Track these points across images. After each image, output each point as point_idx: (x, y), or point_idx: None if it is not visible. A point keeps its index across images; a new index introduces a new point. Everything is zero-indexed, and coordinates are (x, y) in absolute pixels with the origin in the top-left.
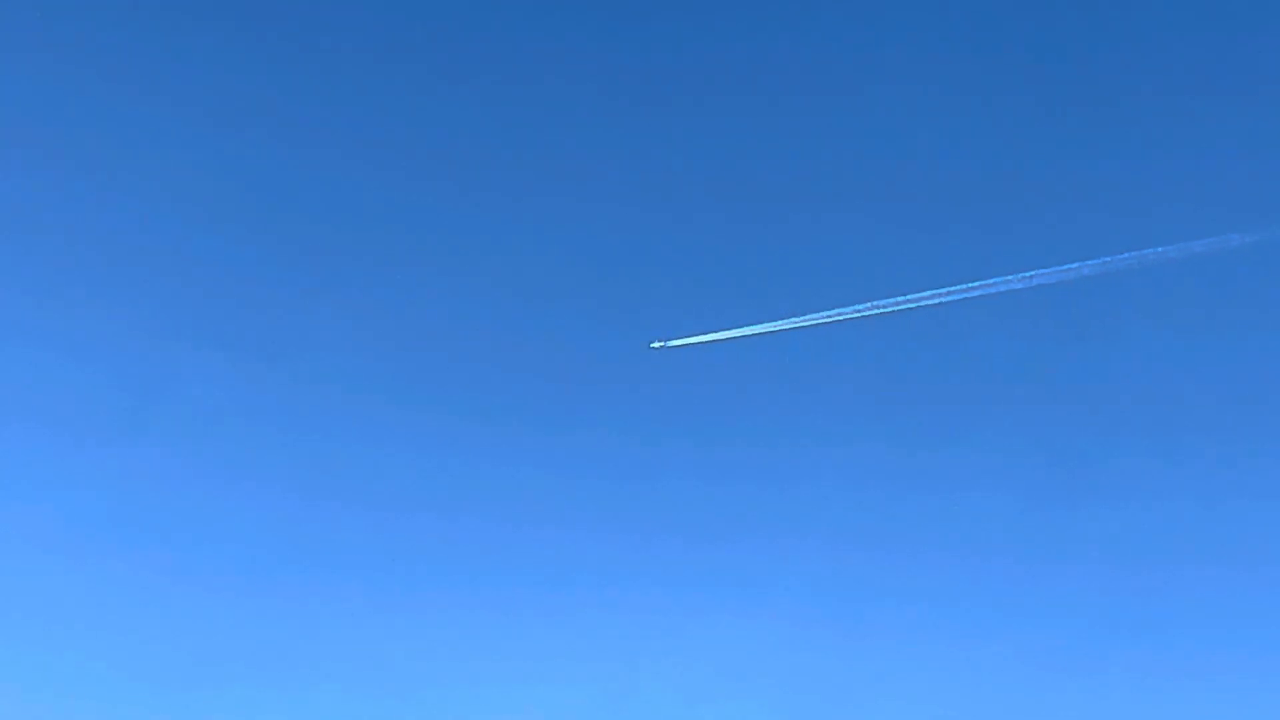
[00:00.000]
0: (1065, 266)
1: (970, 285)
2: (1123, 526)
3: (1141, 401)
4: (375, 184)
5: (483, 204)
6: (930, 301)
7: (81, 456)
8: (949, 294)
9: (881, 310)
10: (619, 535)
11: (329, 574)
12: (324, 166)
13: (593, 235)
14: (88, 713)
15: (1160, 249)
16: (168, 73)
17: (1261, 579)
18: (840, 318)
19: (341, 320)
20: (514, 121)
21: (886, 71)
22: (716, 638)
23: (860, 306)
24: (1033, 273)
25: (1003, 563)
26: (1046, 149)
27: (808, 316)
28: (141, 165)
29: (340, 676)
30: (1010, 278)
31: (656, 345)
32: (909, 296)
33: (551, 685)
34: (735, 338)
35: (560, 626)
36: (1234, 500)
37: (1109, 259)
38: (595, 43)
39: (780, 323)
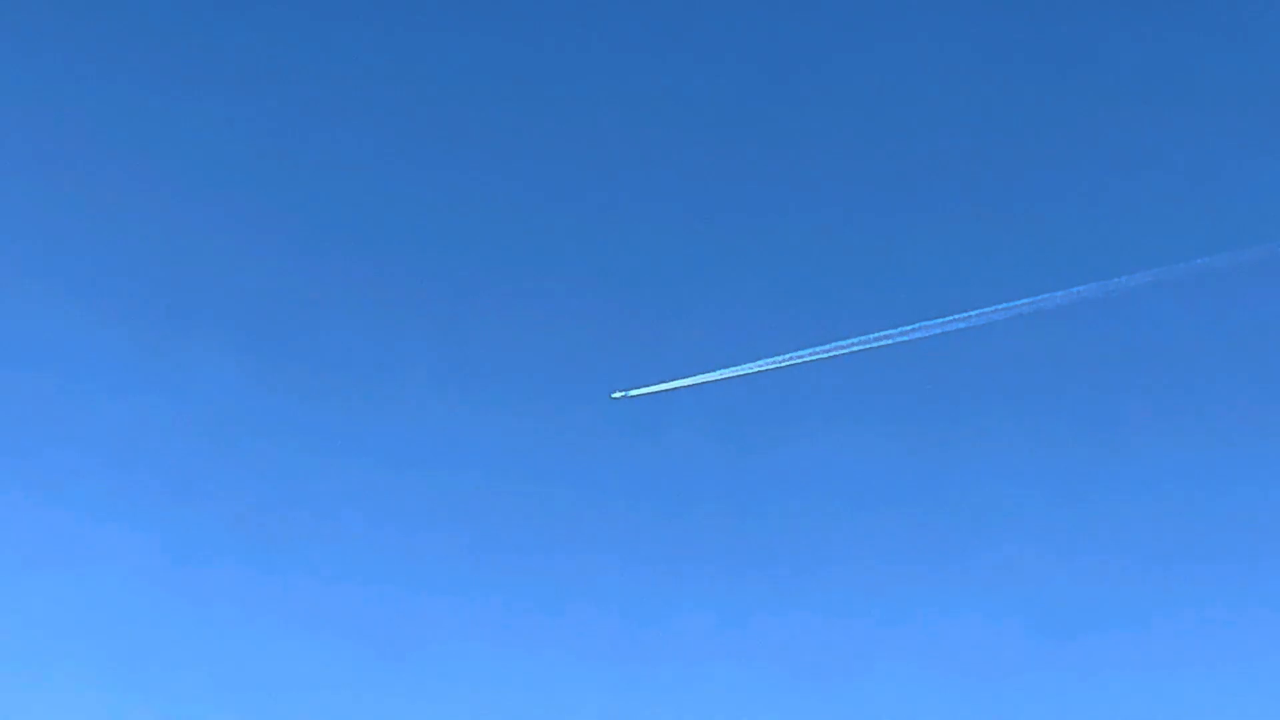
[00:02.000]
0: (1021, 301)
1: (942, 320)
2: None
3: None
4: (323, 243)
5: (439, 255)
6: (894, 340)
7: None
8: (917, 330)
9: (845, 350)
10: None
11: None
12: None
13: (553, 283)
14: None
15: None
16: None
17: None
18: (800, 360)
19: (294, 383)
20: (468, 166)
21: (837, 112)
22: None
23: (823, 347)
24: (993, 307)
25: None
26: (1014, 178)
27: (768, 360)
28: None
29: (336, 680)
30: (972, 313)
31: (618, 395)
32: (871, 336)
33: None
34: (696, 384)
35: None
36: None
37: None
38: (544, 89)
39: (741, 368)
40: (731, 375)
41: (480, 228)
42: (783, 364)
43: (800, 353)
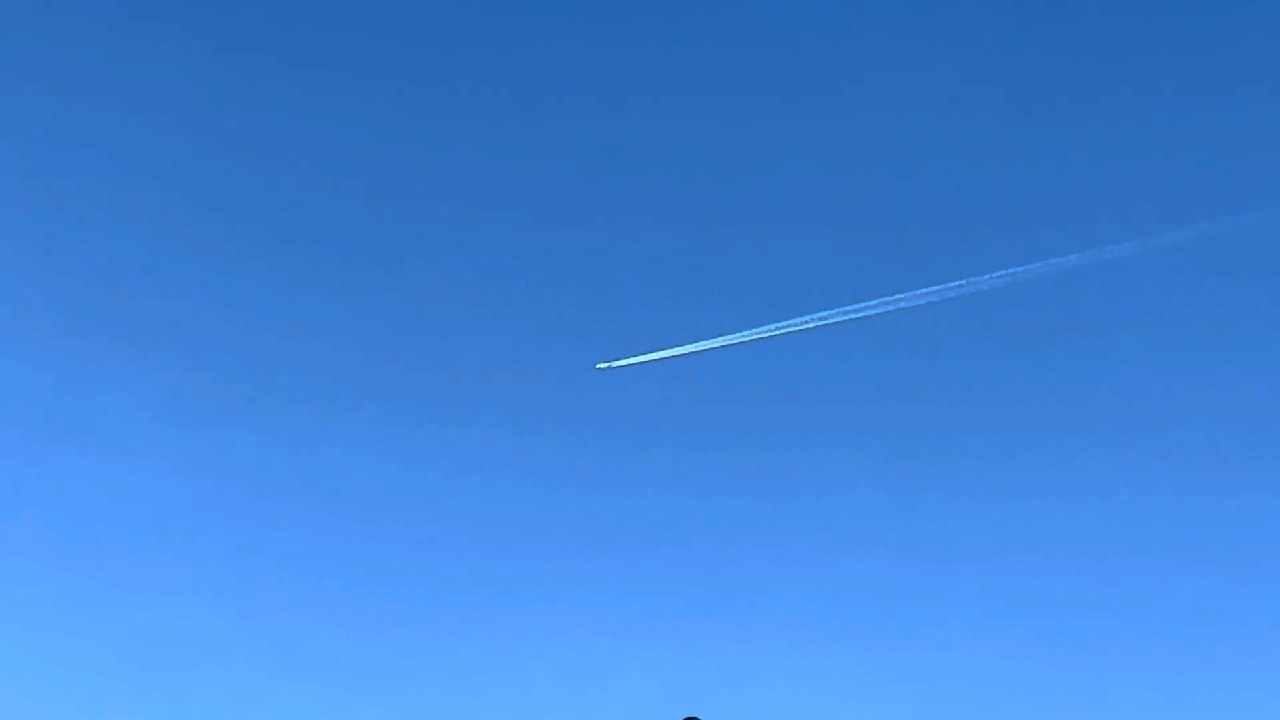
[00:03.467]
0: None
1: (917, 292)
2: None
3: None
4: (315, 205)
5: (425, 226)
6: (874, 311)
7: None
8: (895, 301)
9: (825, 322)
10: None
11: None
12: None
13: (536, 256)
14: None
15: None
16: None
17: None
18: (785, 330)
19: (275, 347)
20: (457, 143)
21: (826, 86)
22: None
23: (806, 318)
24: (987, 275)
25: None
26: (998, 157)
27: (752, 331)
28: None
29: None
30: (961, 282)
31: (602, 366)
32: (853, 306)
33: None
34: (681, 355)
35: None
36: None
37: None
38: (533, 70)
39: (727, 338)
40: (718, 346)
41: (463, 197)
42: (770, 334)
43: (786, 323)
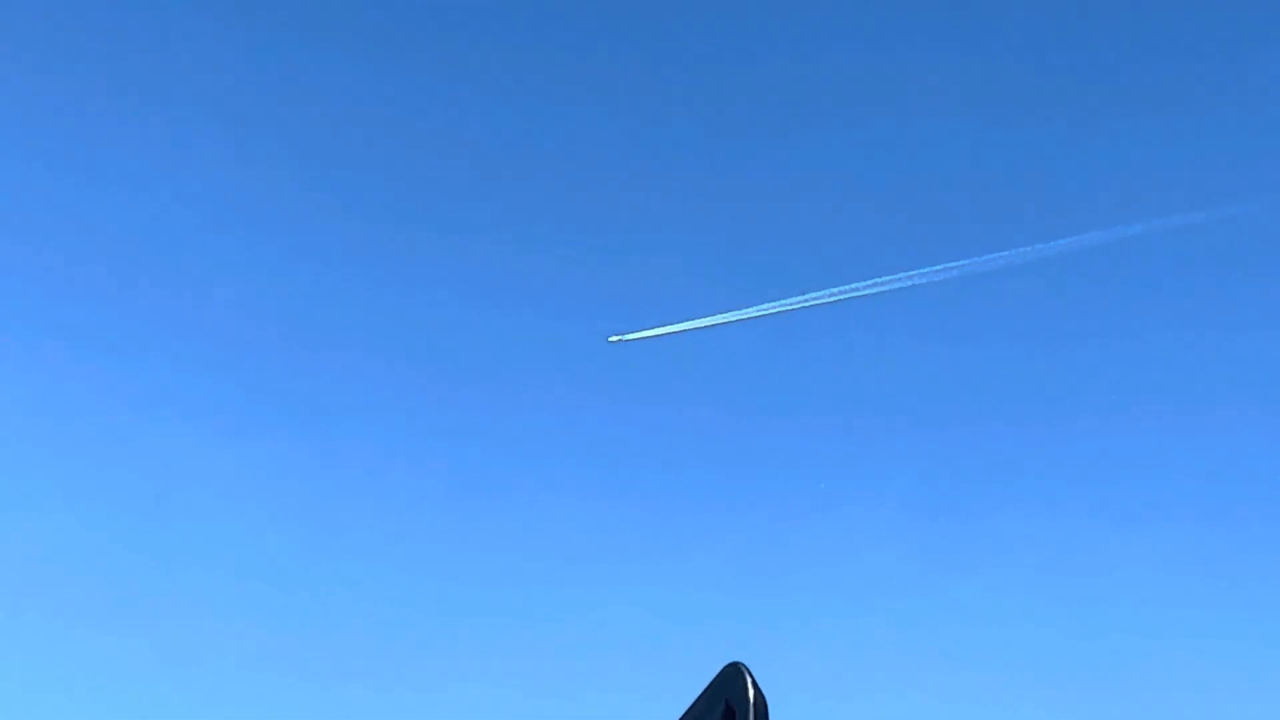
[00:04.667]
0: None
1: (928, 269)
2: None
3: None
4: (332, 183)
5: (442, 202)
6: (886, 287)
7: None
8: (906, 277)
9: (836, 297)
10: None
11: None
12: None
13: (549, 231)
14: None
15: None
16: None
17: None
18: (795, 306)
19: (293, 321)
20: (474, 118)
21: (837, 71)
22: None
23: (816, 294)
24: (996, 255)
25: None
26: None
27: (764, 305)
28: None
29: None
30: (976, 259)
31: (614, 339)
32: (864, 283)
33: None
34: (691, 329)
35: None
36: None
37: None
38: (552, 39)
39: (736, 313)
40: (730, 320)
41: (481, 169)
42: (780, 309)
43: (798, 298)
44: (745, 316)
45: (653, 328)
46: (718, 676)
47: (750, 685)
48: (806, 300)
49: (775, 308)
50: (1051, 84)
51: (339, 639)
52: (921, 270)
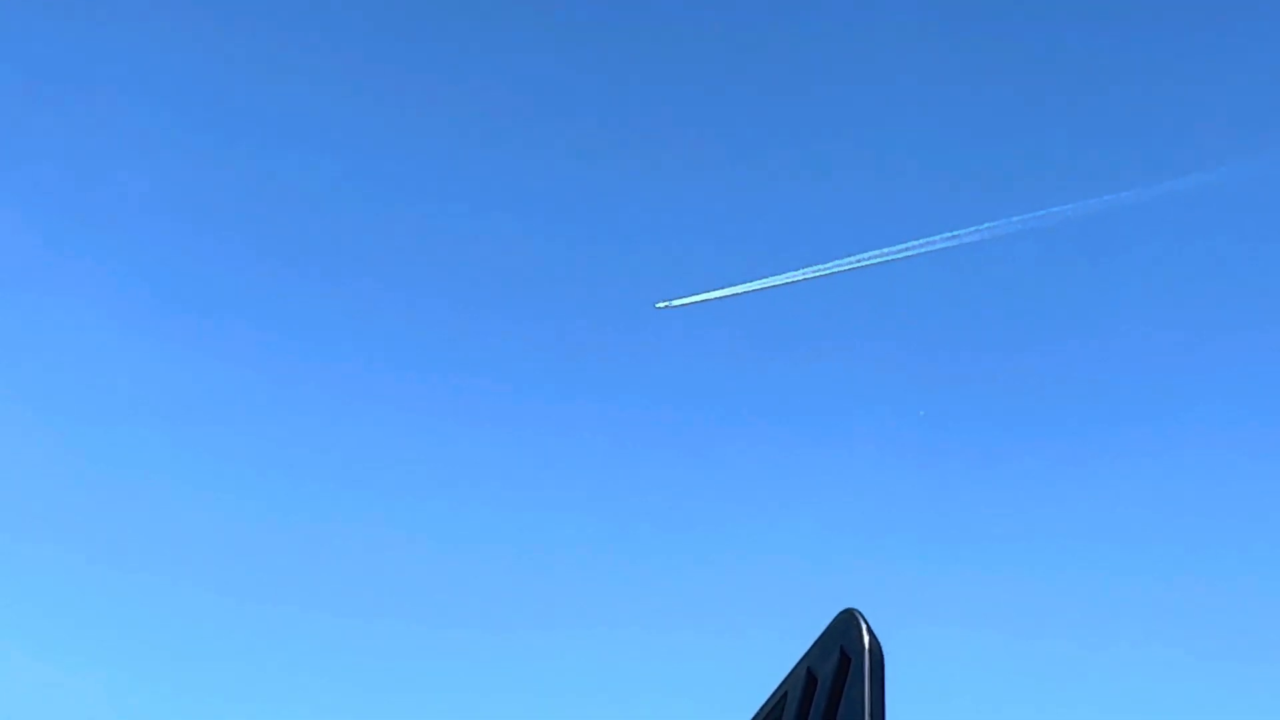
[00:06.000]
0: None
1: (965, 230)
2: None
3: None
4: (378, 152)
5: (487, 176)
6: (924, 249)
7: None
8: (945, 239)
9: (879, 260)
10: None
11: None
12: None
13: (595, 201)
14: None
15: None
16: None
17: None
18: (839, 269)
19: (352, 286)
20: (519, 91)
21: (865, 43)
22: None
23: (856, 258)
24: (1040, 212)
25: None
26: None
27: (808, 269)
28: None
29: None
30: (1020, 217)
31: (661, 305)
32: (904, 245)
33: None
34: (738, 294)
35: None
36: None
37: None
38: (589, 11)
39: (781, 277)
40: (776, 284)
41: (527, 139)
42: (825, 272)
43: (840, 261)
44: (791, 280)
45: (701, 293)
46: (832, 624)
47: (865, 632)
48: (855, 262)
49: (823, 270)
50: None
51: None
52: (966, 229)
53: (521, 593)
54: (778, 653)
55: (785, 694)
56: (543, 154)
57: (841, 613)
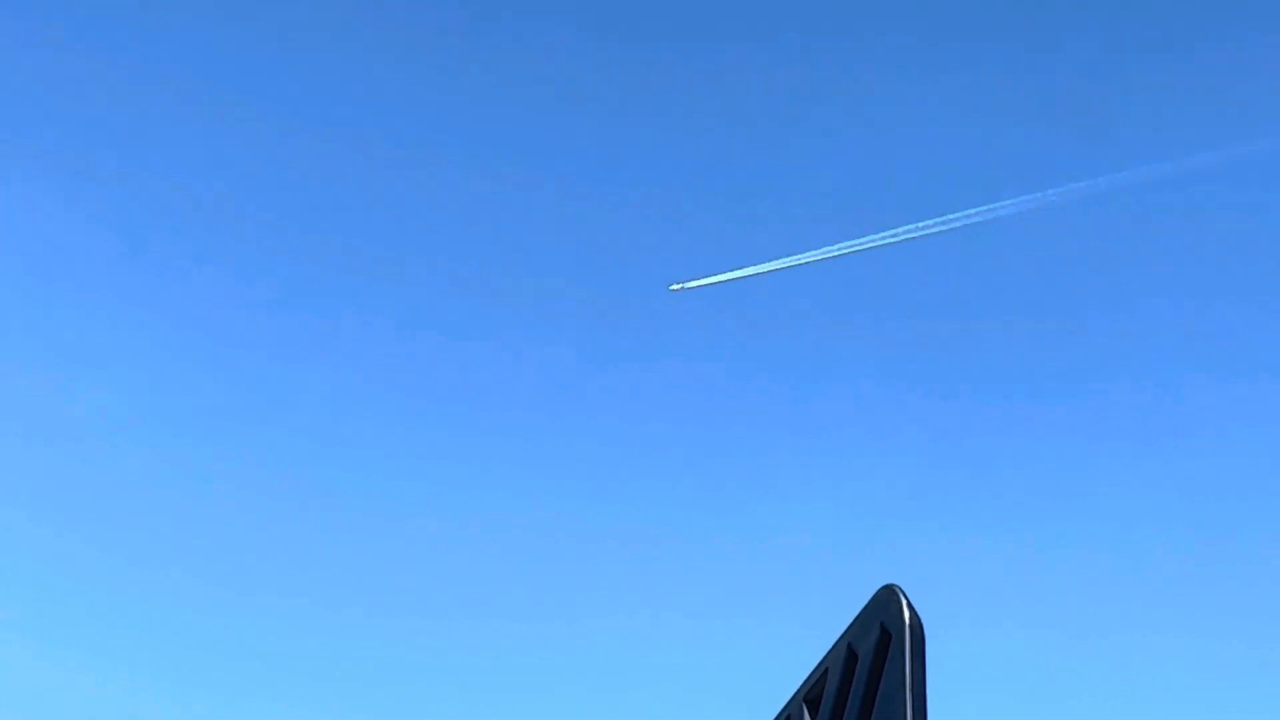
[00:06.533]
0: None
1: (976, 209)
2: None
3: None
4: (391, 130)
5: (501, 147)
6: (938, 229)
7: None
8: (957, 219)
9: (892, 240)
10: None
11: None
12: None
13: (606, 182)
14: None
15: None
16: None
17: None
18: (853, 249)
19: (366, 263)
20: (526, 72)
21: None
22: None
23: (872, 237)
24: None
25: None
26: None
27: (822, 250)
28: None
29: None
30: (1053, 190)
31: (675, 288)
32: (919, 224)
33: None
34: (752, 275)
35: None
36: None
37: None
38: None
39: (796, 257)
40: (790, 264)
41: (541, 120)
42: (839, 252)
43: (857, 240)
44: (805, 260)
45: (715, 274)
46: (872, 600)
47: (906, 608)
48: (869, 242)
49: (837, 250)
50: None
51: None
52: (977, 208)
53: (542, 583)
54: (819, 632)
55: (826, 670)
56: (554, 130)
57: (881, 588)
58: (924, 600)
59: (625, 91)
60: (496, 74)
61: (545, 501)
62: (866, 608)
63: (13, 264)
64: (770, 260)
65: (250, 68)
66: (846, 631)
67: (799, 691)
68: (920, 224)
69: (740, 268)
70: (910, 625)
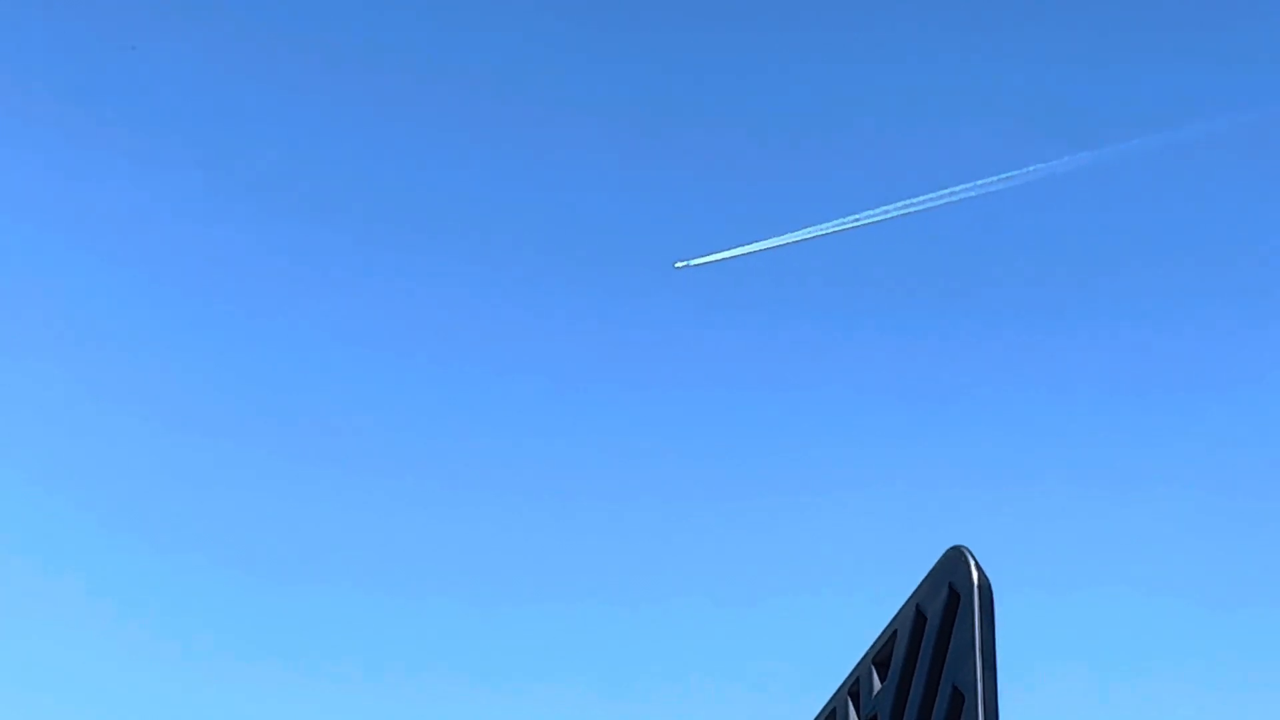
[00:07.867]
0: None
1: (986, 179)
2: None
3: None
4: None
5: (503, 127)
6: (946, 201)
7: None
8: (967, 190)
9: (902, 212)
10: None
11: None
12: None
13: (610, 158)
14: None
15: None
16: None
17: None
18: (859, 223)
19: (361, 259)
20: (529, 53)
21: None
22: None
23: (877, 211)
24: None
25: None
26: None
27: (828, 224)
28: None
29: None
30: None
31: (680, 265)
32: (924, 198)
33: None
34: (759, 251)
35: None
36: None
37: None
38: None
39: (803, 232)
40: (798, 239)
41: (542, 99)
42: (849, 226)
43: (864, 214)
44: (815, 234)
45: (721, 251)
46: (940, 561)
47: (974, 569)
48: (875, 216)
49: (842, 225)
50: None
51: None
52: (987, 178)
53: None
54: (888, 593)
55: (895, 631)
56: (555, 112)
57: (949, 550)
58: (994, 562)
59: (633, 66)
60: (493, 48)
61: (577, 485)
62: (934, 569)
63: (13, 262)
64: (784, 234)
65: (251, 68)
66: (915, 593)
67: (868, 654)
68: (943, 191)
69: (750, 243)
70: (979, 586)
